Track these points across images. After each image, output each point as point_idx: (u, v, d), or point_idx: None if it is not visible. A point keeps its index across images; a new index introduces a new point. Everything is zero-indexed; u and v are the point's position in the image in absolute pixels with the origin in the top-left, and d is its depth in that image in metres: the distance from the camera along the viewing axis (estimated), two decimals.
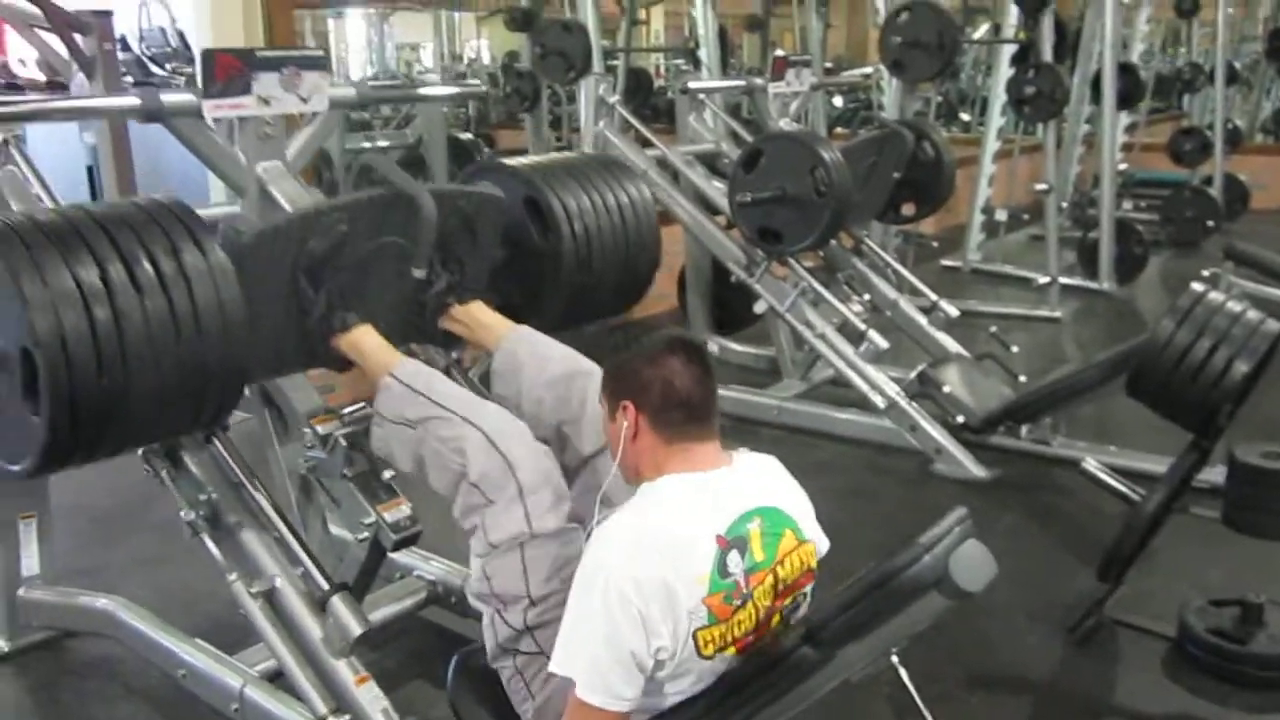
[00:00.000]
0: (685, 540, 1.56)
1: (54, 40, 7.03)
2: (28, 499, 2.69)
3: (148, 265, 1.80)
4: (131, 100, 2.24)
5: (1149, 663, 2.59)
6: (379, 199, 2.19)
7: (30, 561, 2.72)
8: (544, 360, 2.21)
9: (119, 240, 1.80)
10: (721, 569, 1.56)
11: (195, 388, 1.88)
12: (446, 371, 2.45)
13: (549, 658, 1.78)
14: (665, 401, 1.65)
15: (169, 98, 2.23)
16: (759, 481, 1.70)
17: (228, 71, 2.21)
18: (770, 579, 1.62)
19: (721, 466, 1.68)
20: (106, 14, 6.80)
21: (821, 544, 1.76)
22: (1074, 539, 3.23)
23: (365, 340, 2.18)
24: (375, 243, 2.20)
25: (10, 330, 1.74)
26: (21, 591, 2.70)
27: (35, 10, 6.63)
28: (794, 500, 1.72)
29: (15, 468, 1.87)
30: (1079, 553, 3.06)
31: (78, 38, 6.50)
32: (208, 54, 2.21)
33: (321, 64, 2.39)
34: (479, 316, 2.36)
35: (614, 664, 1.52)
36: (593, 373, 2.15)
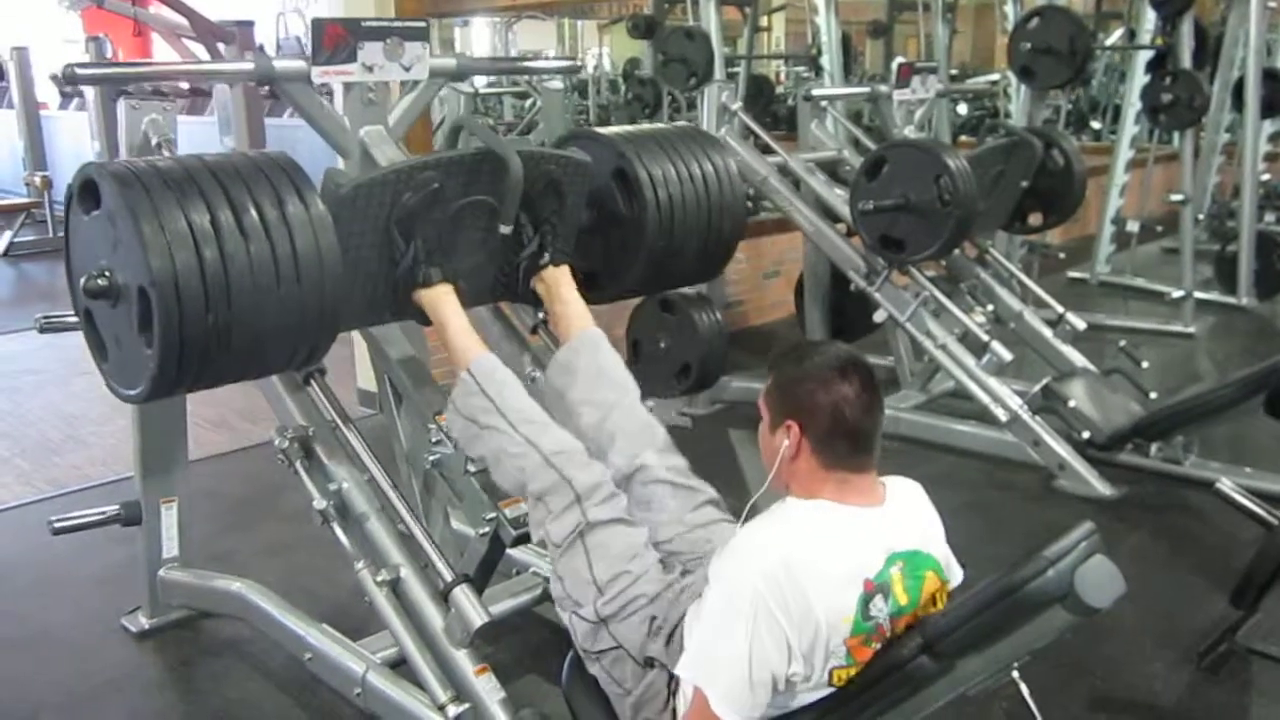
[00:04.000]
0: (836, 578, 1.55)
1: (198, 49, 7.37)
2: (168, 485, 2.82)
3: (254, 212, 1.89)
4: (246, 65, 2.36)
5: None
6: (470, 157, 2.25)
7: (170, 544, 2.85)
8: (598, 377, 2.25)
9: (229, 188, 1.89)
10: (865, 612, 1.56)
11: (292, 329, 1.96)
12: (534, 331, 2.56)
13: (630, 654, 1.83)
14: (833, 430, 1.62)
15: (280, 63, 2.34)
16: (908, 523, 1.67)
17: (335, 40, 2.32)
18: (914, 622, 1.62)
19: (875, 505, 1.64)
20: (248, 24, 7.13)
21: (956, 573, 1.74)
22: (1206, 562, 3.11)
23: (443, 304, 2.23)
24: (465, 199, 2.27)
25: (131, 268, 1.84)
26: (161, 572, 2.84)
27: (182, 20, 6.97)
28: (936, 537, 1.70)
29: (130, 393, 1.98)
30: (1211, 577, 2.95)
31: (221, 46, 6.82)
32: (317, 22, 2.32)
33: (423, 35, 2.47)
34: (562, 290, 2.39)
35: (756, 684, 1.52)
36: (632, 405, 2.22)
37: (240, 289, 1.85)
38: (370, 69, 2.38)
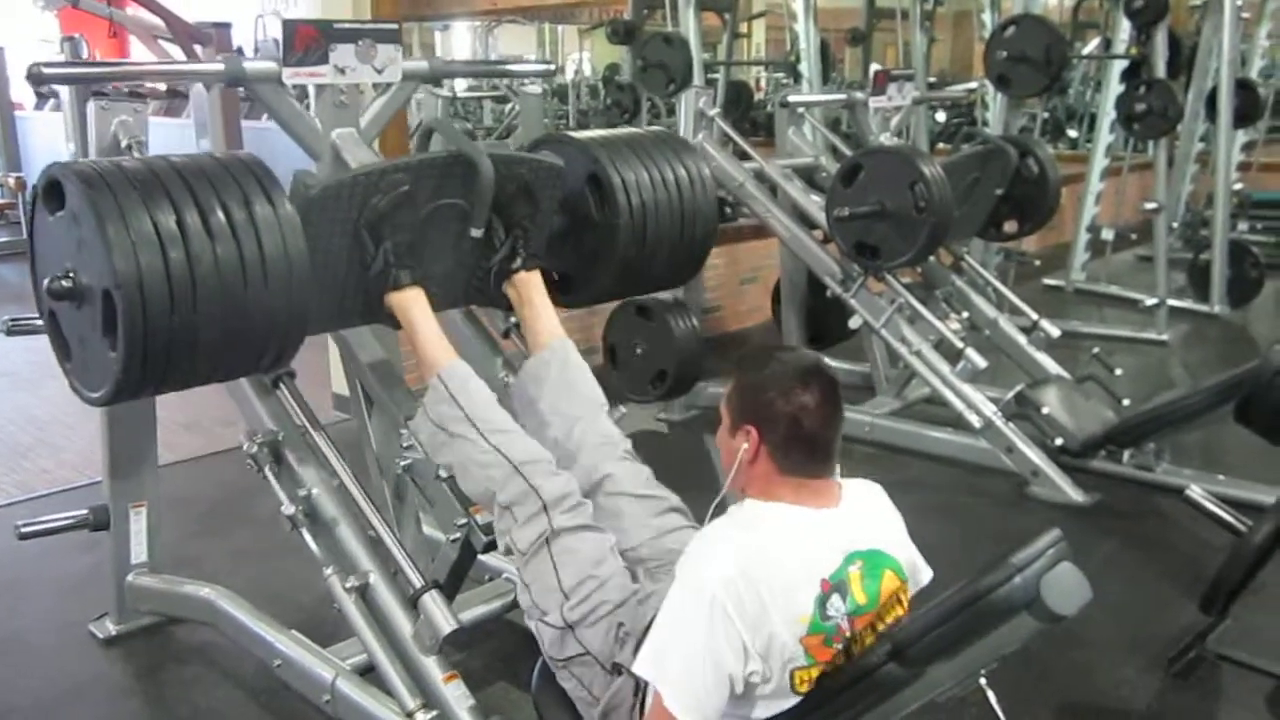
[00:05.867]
0: (791, 578, 1.55)
1: (175, 51, 7.31)
2: (138, 489, 2.79)
3: (220, 214, 1.87)
4: (217, 65, 2.34)
5: (1252, 700, 2.49)
6: (440, 160, 2.25)
7: (139, 549, 2.82)
8: (567, 389, 2.28)
9: (196, 189, 1.87)
10: (822, 612, 1.56)
11: (259, 331, 1.95)
12: (505, 335, 2.59)
13: (595, 658, 1.83)
14: (791, 438, 1.62)
15: (251, 65, 2.33)
16: (865, 521, 1.68)
17: (306, 41, 2.31)
18: (875, 621, 1.62)
19: (831, 506, 1.65)
20: (226, 26, 7.09)
21: (924, 574, 1.75)
22: (1176, 569, 3.13)
23: (413, 307, 2.23)
24: (436, 203, 2.26)
25: (95, 269, 1.82)
26: (130, 578, 2.81)
27: (158, 22, 6.92)
28: (896, 537, 1.71)
29: (94, 395, 1.96)
30: (1181, 584, 2.97)
31: (198, 48, 6.78)
32: (289, 24, 2.32)
33: (395, 37, 2.47)
34: (533, 296, 2.39)
35: (709, 682, 1.52)
36: (596, 418, 2.24)
37: (206, 291, 1.83)
38: (342, 71, 2.37)
